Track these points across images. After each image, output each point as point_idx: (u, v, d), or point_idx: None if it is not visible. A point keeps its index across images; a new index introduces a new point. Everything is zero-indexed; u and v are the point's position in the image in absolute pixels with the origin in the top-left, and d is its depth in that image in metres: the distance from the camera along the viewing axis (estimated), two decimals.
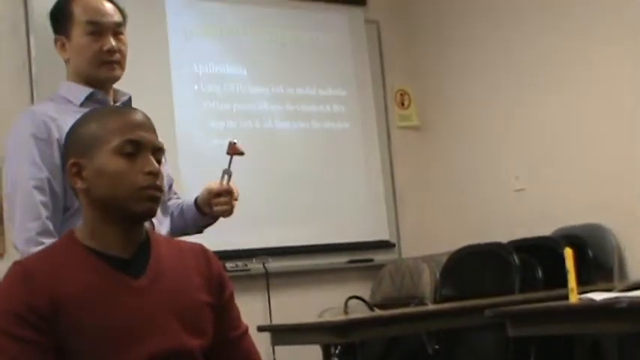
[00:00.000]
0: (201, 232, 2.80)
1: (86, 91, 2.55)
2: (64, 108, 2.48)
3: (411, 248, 5.20)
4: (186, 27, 4.75)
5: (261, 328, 3.43)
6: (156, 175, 1.91)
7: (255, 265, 4.49)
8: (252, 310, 2.13)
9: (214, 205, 2.66)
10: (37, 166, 2.45)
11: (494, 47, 4.99)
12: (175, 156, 4.42)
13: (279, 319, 4.09)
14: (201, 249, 2.10)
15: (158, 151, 1.96)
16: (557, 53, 4.65)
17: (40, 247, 2.18)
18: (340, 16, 5.31)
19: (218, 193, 2.70)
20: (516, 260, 4.19)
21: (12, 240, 2.53)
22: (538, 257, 4.19)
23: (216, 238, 2.50)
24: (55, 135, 2.42)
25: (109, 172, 1.89)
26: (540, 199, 4.68)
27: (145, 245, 1.98)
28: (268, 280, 4.50)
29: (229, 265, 2.45)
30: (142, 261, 1.94)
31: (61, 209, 2.46)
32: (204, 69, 4.79)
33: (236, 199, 2.72)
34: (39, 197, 2.43)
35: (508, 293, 3.97)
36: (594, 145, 4.46)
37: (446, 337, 4.18)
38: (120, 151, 1.90)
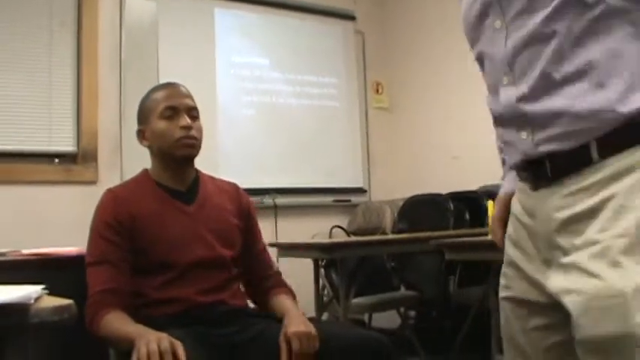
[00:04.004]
0: None
1: None
2: None
3: (378, 194, 5.22)
4: (227, 29, 4.73)
5: (270, 245, 3.48)
6: (188, 128, 1.94)
7: (267, 200, 4.53)
8: (264, 231, 2.17)
9: None
10: None
11: (442, 55, 4.96)
12: (215, 121, 4.45)
13: (283, 239, 4.13)
14: (235, 187, 2.16)
15: (192, 110, 1.99)
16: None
17: None
18: (337, 27, 5.28)
19: None
20: (451, 206, 4.22)
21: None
22: (466, 205, 4.22)
23: (243, 179, 2.52)
24: None
25: (158, 131, 1.95)
26: (470, 164, 4.68)
27: (195, 182, 2.04)
28: (276, 211, 4.54)
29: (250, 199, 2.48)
30: (193, 193, 2.00)
31: None
32: (238, 59, 4.78)
33: None
34: None
35: (445, 229, 4.01)
36: None
37: (400, 257, 4.22)
38: (162, 115, 1.94)
